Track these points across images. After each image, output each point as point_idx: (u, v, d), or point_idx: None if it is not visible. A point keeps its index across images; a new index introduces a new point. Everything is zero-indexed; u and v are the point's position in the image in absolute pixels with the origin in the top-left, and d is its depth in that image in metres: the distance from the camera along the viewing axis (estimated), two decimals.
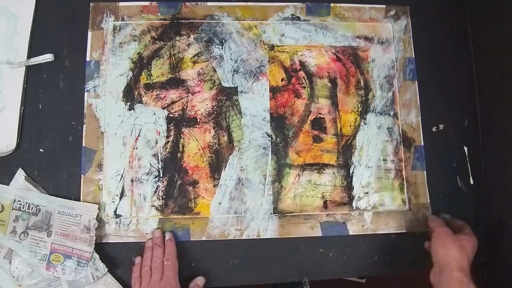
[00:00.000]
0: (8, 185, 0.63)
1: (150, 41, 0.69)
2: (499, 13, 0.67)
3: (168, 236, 0.63)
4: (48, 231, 0.61)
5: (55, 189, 0.64)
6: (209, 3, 0.71)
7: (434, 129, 0.71)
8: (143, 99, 0.67)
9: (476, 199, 0.69)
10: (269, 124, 0.68)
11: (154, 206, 0.65)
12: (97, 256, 0.61)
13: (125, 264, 0.64)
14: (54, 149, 0.66)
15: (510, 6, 0.64)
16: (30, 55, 0.67)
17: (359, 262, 0.67)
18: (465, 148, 0.70)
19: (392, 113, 0.70)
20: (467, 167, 0.70)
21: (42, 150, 0.66)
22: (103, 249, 0.63)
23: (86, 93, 0.67)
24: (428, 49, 0.73)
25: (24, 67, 0.67)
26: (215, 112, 0.68)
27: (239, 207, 0.66)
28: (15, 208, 0.62)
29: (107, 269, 0.61)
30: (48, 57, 0.67)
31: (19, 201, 0.62)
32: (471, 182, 0.70)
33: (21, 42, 0.67)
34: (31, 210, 0.62)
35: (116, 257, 0.64)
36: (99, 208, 0.64)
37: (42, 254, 0.60)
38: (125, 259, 0.64)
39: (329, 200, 0.67)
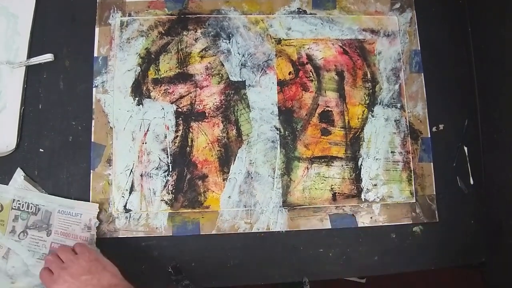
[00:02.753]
0: (7, 185, 0.63)
1: (157, 36, 0.69)
2: (499, 13, 0.67)
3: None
4: (47, 230, 0.61)
5: (55, 189, 0.64)
6: None
7: (434, 129, 0.71)
8: (151, 94, 0.67)
9: (476, 199, 0.70)
10: (277, 118, 0.68)
11: (164, 200, 0.65)
12: (98, 250, 0.61)
13: (134, 259, 0.64)
14: (54, 149, 0.66)
15: (510, 6, 0.64)
16: (30, 55, 0.67)
17: (359, 262, 0.67)
18: (465, 148, 0.71)
19: (399, 105, 0.70)
20: (467, 167, 0.70)
21: (42, 150, 0.65)
22: (113, 244, 0.64)
23: (94, 89, 0.67)
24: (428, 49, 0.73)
25: (24, 67, 0.66)
26: (224, 106, 0.68)
27: (249, 200, 0.66)
28: (14, 207, 0.61)
29: None
30: (48, 57, 0.67)
31: (18, 200, 0.62)
32: (471, 182, 0.70)
33: (21, 42, 0.67)
34: (31, 209, 0.62)
35: (125, 251, 0.64)
36: (106, 204, 0.64)
37: (41, 253, 0.60)
38: (135, 254, 0.64)
39: (338, 193, 0.68)
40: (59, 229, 0.62)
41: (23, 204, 0.62)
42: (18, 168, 0.64)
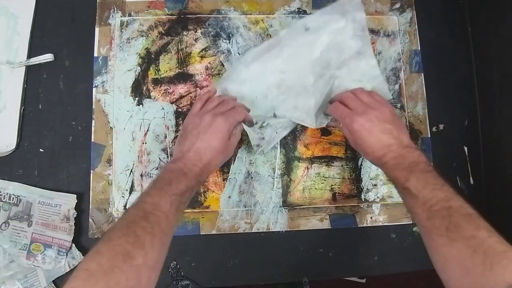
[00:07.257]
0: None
1: (157, 36, 0.69)
2: (499, 13, 0.67)
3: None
4: (28, 221, 0.61)
5: (55, 189, 0.64)
6: None
7: (434, 129, 0.71)
8: (151, 94, 0.67)
9: (476, 199, 0.69)
10: None
11: None
12: (73, 245, 0.62)
13: None
14: (54, 149, 0.66)
15: (510, 6, 0.64)
16: (30, 55, 0.67)
17: (359, 262, 0.67)
18: (465, 148, 0.71)
19: (399, 105, 0.70)
20: (467, 167, 0.70)
21: (42, 150, 0.65)
22: None
23: (94, 89, 0.67)
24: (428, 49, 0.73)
25: (24, 67, 0.66)
26: None
27: (249, 200, 0.66)
28: None
29: (83, 257, 0.60)
30: (48, 57, 0.67)
31: (0, 192, 0.62)
32: (471, 182, 0.70)
33: (21, 42, 0.67)
34: (12, 200, 0.62)
35: None
36: (106, 204, 0.64)
37: (23, 243, 0.61)
38: None
39: (338, 193, 0.68)
40: (39, 220, 0.62)
41: (4, 195, 0.62)
42: None
